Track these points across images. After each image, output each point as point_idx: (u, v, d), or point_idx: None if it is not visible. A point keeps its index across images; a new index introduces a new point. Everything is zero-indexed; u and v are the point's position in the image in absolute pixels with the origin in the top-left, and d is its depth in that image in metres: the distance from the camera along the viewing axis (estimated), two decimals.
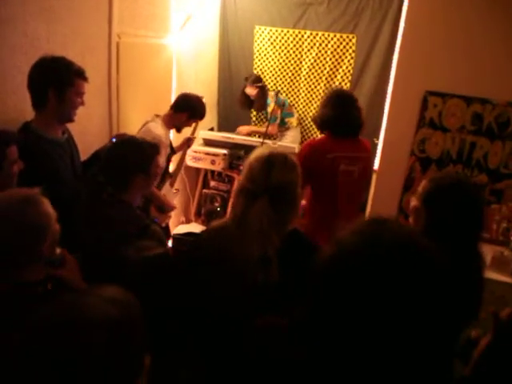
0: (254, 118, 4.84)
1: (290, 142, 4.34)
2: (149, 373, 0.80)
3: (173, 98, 3.82)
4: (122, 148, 1.94)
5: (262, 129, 4.41)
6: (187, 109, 3.07)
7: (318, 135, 4.62)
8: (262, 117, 4.72)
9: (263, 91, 4.40)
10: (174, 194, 3.43)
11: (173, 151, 3.29)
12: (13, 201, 1.30)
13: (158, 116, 3.06)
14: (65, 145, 2.15)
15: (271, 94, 4.40)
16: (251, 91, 4.39)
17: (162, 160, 1.92)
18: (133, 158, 1.87)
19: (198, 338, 1.45)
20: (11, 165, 1.68)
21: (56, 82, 1.99)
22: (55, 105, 2.01)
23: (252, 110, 4.67)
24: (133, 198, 1.90)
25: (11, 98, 2.10)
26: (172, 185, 3.41)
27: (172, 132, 3.21)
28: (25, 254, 1.30)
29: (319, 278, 0.76)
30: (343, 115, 2.54)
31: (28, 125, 2.02)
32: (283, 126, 4.48)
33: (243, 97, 4.48)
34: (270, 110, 4.30)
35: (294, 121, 4.51)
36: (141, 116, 3.30)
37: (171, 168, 3.44)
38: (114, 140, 2.28)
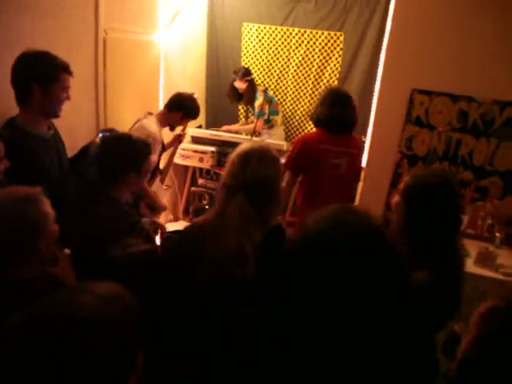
0: (241, 116, 4.83)
1: (277, 139, 4.35)
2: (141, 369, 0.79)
3: (160, 95, 3.81)
4: (115, 145, 1.91)
5: (247, 126, 4.41)
6: (182, 108, 3.09)
7: (301, 131, 4.64)
8: (250, 114, 4.71)
9: (252, 85, 4.37)
10: (164, 191, 3.42)
11: (163, 148, 3.28)
12: (13, 199, 1.30)
13: (150, 114, 3.05)
14: (51, 140, 2.12)
15: (260, 88, 4.39)
16: (240, 85, 4.35)
17: (154, 158, 1.91)
18: (126, 156, 1.84)
19: (183, 334, 1.45)
20: None
21: (40, 76, 1.95)
22: (40, 100, 1.98)
23: (240, 104, 4.63)
24: (121, 195, 1.89)
25: None
26: (162, 181, 3.40)
27: (164, 130, 3.20)
28: (22, 252, 1.30)
29: (288, 263, 0.78)
30: (340, 115, 2.67)
31: (13, 120, 1.99)
32: (267, 124, 4.46)
33: (232, 90, 4.43)
34: (257, 104, 4.28)
35: (278, 119, 4.51)
36: (128, 112, 3.28)
37: (161, 164, 3.42)
38: (101, 135, 2.26)
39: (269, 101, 4.31)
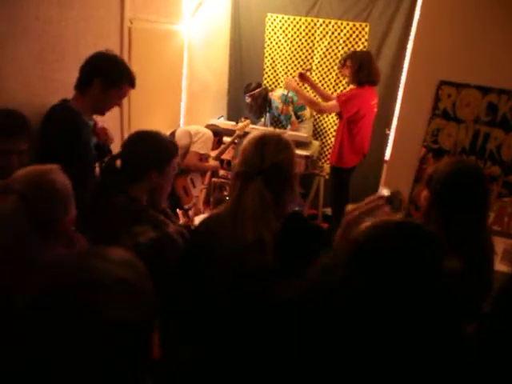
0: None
1: (307, 132, 4.38)
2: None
3: (184, 85, 3.82)
4: (140, 141, 1.81)
5: (297, 133, 4.36)
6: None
7: (329, 125, 4.60)
8: (275, 118, 4.69)
9: (256, 98, 4.42)
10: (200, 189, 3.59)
11: None
12: (39, 171, 1.29)
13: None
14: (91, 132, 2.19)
15: (277, 94, 4.37)
16: (248, 100, 4.46)
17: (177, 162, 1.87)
18: (151, 153, 1.75)
19: (194, 321, 1.46)
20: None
21: (105, 76, 2.04)
22: (96, 95, 2.06)
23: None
24: (141, 194, 1.80)
25: (20, 82, 2.09)
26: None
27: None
28: (54, 223, 1.28)
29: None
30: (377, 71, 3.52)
31: (66, 102, 2.06)
32: (299, 120, 4.50)
33: (248, 105, 4.53)
34: (279, 111, 4.32)
35: (306, 113, 4.50)
36: (152, 102, 3.30)
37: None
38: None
39: (289, 102, 4.30)
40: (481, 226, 1.54)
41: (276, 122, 4.66)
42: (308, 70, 3.87)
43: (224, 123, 4.27)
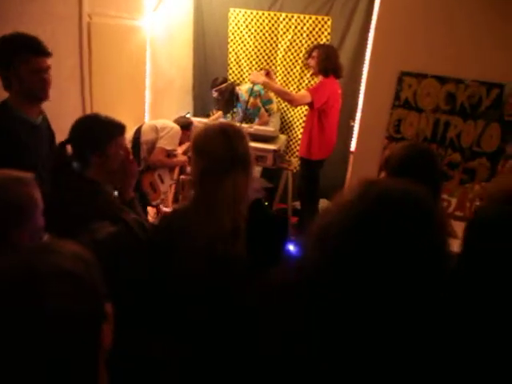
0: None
1: (275, 126, 4.39)
2: (119, 343, 0.81)
3: (147, 81, 3.77)
4: (80, 123, 1.82)
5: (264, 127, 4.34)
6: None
7: (296, 118, 4.63)
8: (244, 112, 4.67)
9: (223, 93, 4.39)
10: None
11: None
12: (2, 179, 1.23)
13: None
14: (40, 127, 2.10)
15: (244, 88, 4.37)
16: (214, 95, 4.43)
17: (125, 143, 1.85)
18: (90, 134, 1.77)
19: (165, 316, 1.46)
20: None
21: (4, 62, 1.89)
22: (16, 85, 1.93)
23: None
24: (97, 177, 1.79)
25: None
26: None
27: None
28: (4, 235, 1.21)
29: (328, 235, 0.81)
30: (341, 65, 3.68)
31: (4, 104, 1.96)
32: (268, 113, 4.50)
33: (215, 100, 4.50)
34: (249, 105, 4.28)
35: (274, 107, 4.51)
36: (115, 98, 3.24)
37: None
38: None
39: (257, 95, 4.30)
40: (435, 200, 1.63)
41: (244, 115, 4.66)
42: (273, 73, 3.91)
43: (197, 120, 4.23)
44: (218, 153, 1.40)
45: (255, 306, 0.97)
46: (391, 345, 0.77)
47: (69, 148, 1.79)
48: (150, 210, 3.46)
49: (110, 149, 1.77)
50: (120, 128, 1.82)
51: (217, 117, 3.95)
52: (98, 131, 1.77)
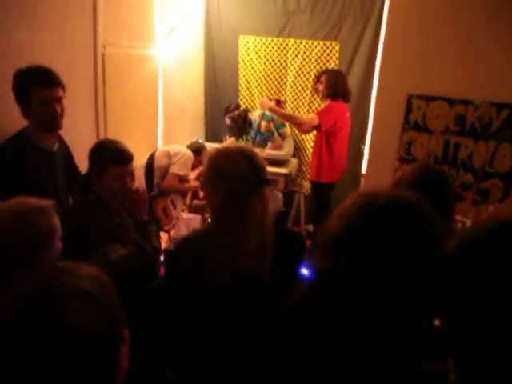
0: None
1: (290, 150, 4.46)
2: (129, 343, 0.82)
3: (160, 108, 3.85)
4: (95, 144, 2.01)
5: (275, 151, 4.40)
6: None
7: (309, 142, 4.66)
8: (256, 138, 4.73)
9: (236, 119, 4.47)
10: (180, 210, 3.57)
11: None
12: (24, 207, 1.30)
13: None
14: (57, 154, 2.15)
15: (256, 113, 4.42)
16: (228, 121, 4.51)
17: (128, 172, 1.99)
18: (91, 158, 1.95)
19: (194, 347, 1.44)
20: None
21: (17, 96, 1.96)
22: (32, 116, 1.99)
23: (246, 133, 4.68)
24: (104, 193, 1.92)
25: None
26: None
27: None
28: (22, 263, 1.26)
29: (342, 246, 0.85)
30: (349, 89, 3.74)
31: (22, 133, 2.02)
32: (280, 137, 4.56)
33: (228, 127, 4.57)
34: (262, 129, 4.34)
35: (287, 130, 4.56)
36: (128, 126, 3.31)
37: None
38: None
39: (270, 120, 4.36)
40: (446, 224, 1.60)
41: (258, 141, 4.69)
42: (284, 102, 3.95)
43: (210, 145, 4.28)
44: (243, 174, 1.42)
45: (284, 331, 0.97)
46: (392, 356, 0.80)
47: None
48: (163, 235, 3.47)
49: (104, 177, 1.89)
50: (118, 160, 1.90)
51: (230, 143, 4.00)
52: (97, 159, 1.92)
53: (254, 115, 4.45)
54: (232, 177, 1.43)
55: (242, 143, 4.58)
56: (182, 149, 3.50)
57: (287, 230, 1.64)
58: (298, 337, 0.87)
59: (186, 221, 3.57)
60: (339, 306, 0.80)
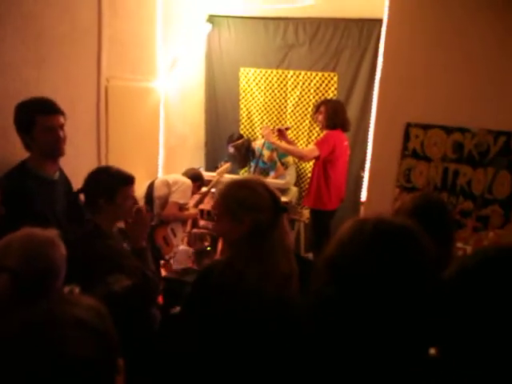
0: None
1: (292, 179, 4.51)
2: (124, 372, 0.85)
3: (161, 140, 3.90)
4: (96, 172, 2.01)
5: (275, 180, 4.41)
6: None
7: (308, 172, 4.70)
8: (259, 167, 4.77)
9: (239, 148, 4.52)
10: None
11: None
12: (36, 243, 1.34)
13: None
14: (58, 182, 2.19)
15: (260, 143, 4.46)
16: (230, 150, 4.55)
17: (133, 194, 2.02)
18: (101, 182, 1.94)
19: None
20: None
21: (19, 125, 2.02)
22: (33, 146, 2.05)
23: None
24: (103, 223, 1.93)
25: (1, 144, 2.15)
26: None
27: None
28: (42, 293, 1.31)
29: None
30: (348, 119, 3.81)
31: (24, 163, 2.07)
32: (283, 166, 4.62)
33: (231, 156, 4.60)
34: (265, 158, 4.40)
35: (290, 159, 4.61)
36: (130, 157, 3.35)
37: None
38: None
39: (273, 149, 4.41)
40: (447, 252, 1.59)
41: (259, 170, 4.73)
42: (287, 129, 4.00)
43: (207, 174, 4.31)
44: (266, 204, 1.45)
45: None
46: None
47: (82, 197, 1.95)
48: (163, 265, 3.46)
49: (118, 197, 1.91)
50: (128, 179, 1.98)
51: (225, 168, 4.03)
52: (107, 180, 1.93)
53: (258, 144, 4.50)
54: (257, 208, 1.45)
55: (243, 172, 4.62)
56: (180, 178, 3.53)
57: (300, 255, 1.68)
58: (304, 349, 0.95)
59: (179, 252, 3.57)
60: (332, 319, 0.88)
